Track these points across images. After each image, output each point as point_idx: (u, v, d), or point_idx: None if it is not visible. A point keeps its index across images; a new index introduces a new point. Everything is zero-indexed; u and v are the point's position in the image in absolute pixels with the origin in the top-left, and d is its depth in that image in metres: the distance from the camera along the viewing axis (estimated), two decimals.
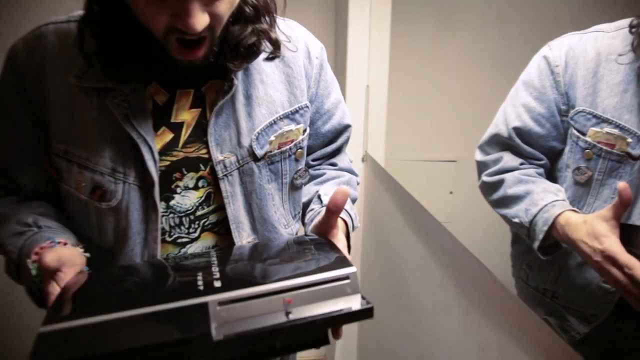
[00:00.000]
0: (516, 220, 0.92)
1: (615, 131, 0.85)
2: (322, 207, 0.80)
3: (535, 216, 0.88)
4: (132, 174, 0.70)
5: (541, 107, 0.94)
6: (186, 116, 0.72)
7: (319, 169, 0.92)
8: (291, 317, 0.49)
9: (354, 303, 0.51)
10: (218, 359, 0.49)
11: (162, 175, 0.71)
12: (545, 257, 0.89)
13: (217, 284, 0.51)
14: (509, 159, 0.98)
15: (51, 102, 0.70)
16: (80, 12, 0.68)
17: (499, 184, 0.98)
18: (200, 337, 0.46)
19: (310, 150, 0.89)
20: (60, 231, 0.71)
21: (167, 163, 0.72)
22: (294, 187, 0.82)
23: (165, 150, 0.71)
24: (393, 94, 1.71)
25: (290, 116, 0.78)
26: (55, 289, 0.58)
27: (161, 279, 0.59)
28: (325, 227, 0.67)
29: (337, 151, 0.93)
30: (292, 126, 0.78)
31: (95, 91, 0.69)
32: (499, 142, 1.00)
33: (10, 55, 0.71)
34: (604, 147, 0.86)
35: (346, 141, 0.94)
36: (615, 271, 0.72)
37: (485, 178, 1.01)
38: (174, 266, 0.63)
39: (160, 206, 0.72)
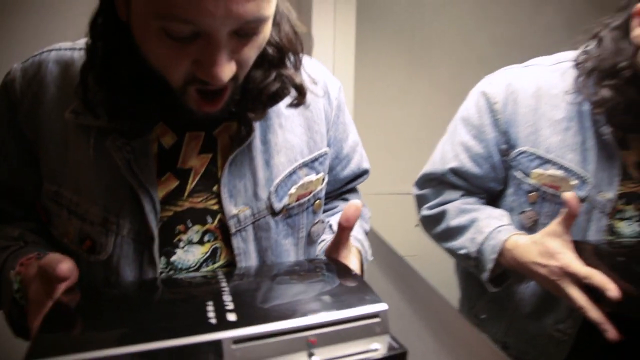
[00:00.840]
0: (463, 251, 0.88)
1: (559, 173, 0.82)
2: None
3: (482, 244, 0.84)
4: (127, 225, 0.61)
5: (479, 147, 0.90)
6: (195, 162, 0.64)
7: (330, 203, 0.86)
8: (315, 358, 0.44)
9: (383, 345, 0.46)
10: None
11: (163, 227, 0.63)
12: (495, 288, 0.86)
13: (232, 317, 0.44)
14: (449, 191, 0.94)
15: (45, 138, 0.62)
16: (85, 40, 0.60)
17: (440, 216, 0.93)
18: None
19: (326, 196, 0.81)
20: (50, 249, 0.62)
21: (170, 214, 0.63)
22: (311, 242, 0.75)
23: (168, 200, 0.63)
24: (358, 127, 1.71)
25: (310, 164, 0.71)
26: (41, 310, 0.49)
27: (165, 306, 0.51)
28: (338, 247, 0.62)
29: (351, 190, 0.88)
30: (313, 176, 0.71)
31: (93, 129, 0.61)
32: (435, 180, 0.96)
33: (6, 82, 0.64)
34: (549, 190, 0.83)
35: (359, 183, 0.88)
36: (574, 290, 0.69)
37: (425, 212, 0.97)
38: (178, 290, 0.55)
39: (160, 262, 0.63)
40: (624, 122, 0.79)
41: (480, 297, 0.96)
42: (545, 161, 0.83)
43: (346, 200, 0.86)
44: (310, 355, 0.44)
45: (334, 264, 0.60)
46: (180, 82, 0.54)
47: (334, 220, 0.78)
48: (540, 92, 0.84)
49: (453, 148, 0.93)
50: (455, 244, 0.89)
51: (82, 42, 0.63)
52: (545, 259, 0.72)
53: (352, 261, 0.63)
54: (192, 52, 0.51)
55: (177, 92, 0.56)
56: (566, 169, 0.81)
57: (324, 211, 0.82)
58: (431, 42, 1.94)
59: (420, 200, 0.99)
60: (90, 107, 0.59)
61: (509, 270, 0.83)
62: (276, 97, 0.64)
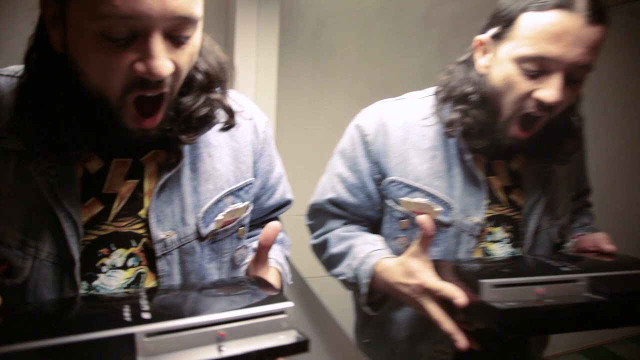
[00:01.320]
0: (342, 277, 0.91)
1: (425, 200, 0.86)
2: None
3: (357, 270, 0.87)
4: (46, 248, 0.61)
5: (354, 178, 0.93)
6: (121, 187, 0.65)
7: (254, 230, 0.88)
8: (224, 350, 0.48)
9: (289, 337, 0.52)
10: None
11: (86, 250, 0.63)
12: (373, 312, 0.90)
13: (146, 315, 0.48)
14: (331, 221, 0.98)
15: None
16: (13, 67, 0.60)
17: (324, 244, 0.97)
18: None
19: (251, 223, 0.84)
20: None
21: (93, 237, 0.64)
22: (234, 266, 0.77)
23: (92, 224, 0.63)
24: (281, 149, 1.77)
25: (236, 193, 0.74)
26: None
27: (83, 309, 0.53)
28: (257, 265, 0.66)
29: (274, 219, 0.90)
30: (239, 204, 0.75)
31: (14, 153, 0.60)
32: (318, 211, 1.00)
33: None
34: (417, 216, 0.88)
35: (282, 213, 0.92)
36: (431, 305, 0.72)
37: (312, 241, 1.01)
38: (97, 300, 0.57)
39: (81, 286, 0.63)
40: (483, 148, 0.85)
41: (367, 322, 1.00)
42: (413, 189, 0.87)
43: None
44: (220, 348, 0.48)
45: (253, 279, 0.65)
46: (119, 91, 0.55)
47: (256, 244, 0.82)
48: (409, 123, 0.89)
49: (330, 180, 0.97)
50: (336, 271, 0.93)
51: (10, 69, 0.64)
52: (406, 278, 0.76)
53: (270, 279, 0.67)
54: (130, 55, 0.53)
55: (114, 109, 0.57)
56: (432, 196, 0.86)
57: (248, 237, 0.84)
58: (347, 63, 2.05)
59: (310, 230, 1.03)
60: (21, 135, 0.59)
61: (386, 294, 0.86)
62: (206, 120, 0.67)
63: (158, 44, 0.53)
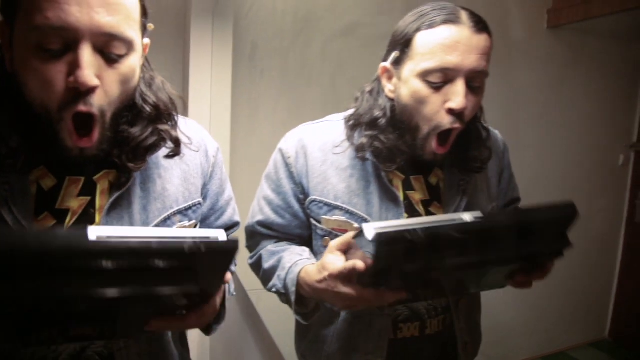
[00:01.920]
0: (274, 289, 0.93)
1: (344, 217, 0.90)
2: None
3: (285, 280, 0.89)
4: None
5: (279, 199, 0.96)
6: (73, 203, 0.70)
7: None
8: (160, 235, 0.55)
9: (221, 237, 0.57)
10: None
11: None
12: (306, 321, 0.92)
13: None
14: (264, 241, 1.01)
15: None
16: None
17: (259, 261, 1.00)
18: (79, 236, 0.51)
19: None
20: None
21: None
22: None
23: None
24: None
25: (183, 212, 0.79)
26: None
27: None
28: None
29: None
30: (185, 222, 0.79)
31: None
32: (251, 233, 1.04)
33: None
34: (339, 233, 0.89)
35: None
36: (345, 288, 0.74)
37: (249, 261, 1.05)
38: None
39: None
40: (400, 167, 0.90)
41: (304, 335, 1.03)
42: (332, 207, 0.91)
43: None
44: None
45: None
46: (56, 104, 0.61)
47: None
48: (327, 145, 0.93)
49: (258, 203, 1.01)
50: (270, 284, 0.95)
51: None
52: (320, 274, 0.78)
53: None
54: (63, 66, 0.60)
55: (54, 122, 0.62)
56: (350, 213, 0.90)
57: None
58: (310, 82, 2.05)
59: (248, 251, 1.06)
60: None
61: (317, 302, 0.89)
62: (153, 148, 0.73)
63: (86, 56, 0.60)
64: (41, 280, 0.53)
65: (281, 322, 1.16)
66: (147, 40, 0.72)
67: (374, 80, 0.95)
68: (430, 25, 0.82)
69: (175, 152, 0.76)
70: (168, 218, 0.77)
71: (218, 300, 0.70)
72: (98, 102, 0.63)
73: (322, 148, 0.94)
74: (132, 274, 0.55)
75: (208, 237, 0.56)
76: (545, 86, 2.58)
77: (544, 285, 0.90)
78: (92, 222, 0.71)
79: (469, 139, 0.92)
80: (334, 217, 0.91)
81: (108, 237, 0.52)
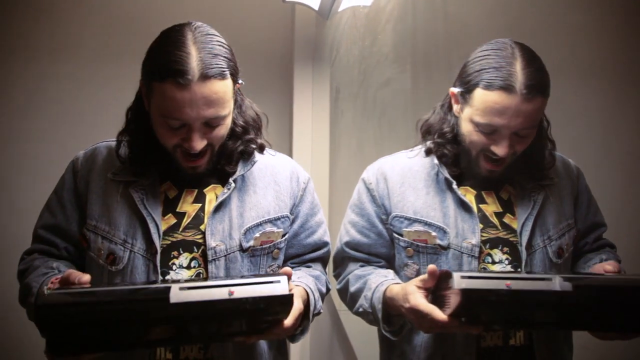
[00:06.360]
0: (361, 309, 1.02)
1: (423, 228, 1.00)
2: None
3: (371, 299, 0.97)
4: (138, 244, 0.91)
5: (363, 220, 1.08)
6: (188, 208, 0.95)
7: (296, 269, 1.06)
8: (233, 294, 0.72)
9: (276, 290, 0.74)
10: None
11: (163, 252, 0.91)
12: (395, 337, 0.99)
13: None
14: (350, 264, 1.10)
15: (92, 191, 0.95)
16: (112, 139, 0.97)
17: (345, 286, 1.09)
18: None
19: (292, 257, 1.06)
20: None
21: (168, 242, 0.92)
22: None
23: (168, 232, 0.92)
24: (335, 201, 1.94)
25: (273, 221, 0.99)
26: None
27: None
28: None
29: (315, 260, 1.09)
30: (274, 229, 0.99)
31: (122, 183, 0.94)
32: (340, 258, 1.13)
33: (72, 161, 1.00)
34: (420, 243, 1.00)
35: (323, 257, 1.10)
36: (423, 321, 0.85)
37: (337, 287, 1.14)
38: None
39: (159, 277, 0.90)
40: (472, 182, 1.01)
41: (391, 353, 1.08)
42: (412, 221, 1.02)
43: (309, 267, 1.08)
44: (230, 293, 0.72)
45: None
46: (171, 147, 0.89)
47: (294, 276, 1.01)
48: (404, 170, 1.07)
49: (344, 227, 1.12)
50: (356, 305, 1.04)
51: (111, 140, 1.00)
52: (403, 301, 0.88)
53: (294, 291, 0.86)
54: (180, 134, 0.87)
55: (172, 154, 0.90)
56: (428, 224, 1.00)
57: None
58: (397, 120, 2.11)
59: (335, 279, 1.15)
60: (120, 158, 0.94)
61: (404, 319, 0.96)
62: (244, 155, 0.98)
63: (196, 133, 0.86)
64: (132, 328, 0.72)
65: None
66: (240, 82, 0.94)
67: (446, 96, 1.06)
68: (487, 87, 0.90)
69: (261, 149, 1.00)
70: (260, 224, 0.97)
71: (291, 320, 0.83)
72: (204, 150, 0.89)
73: (400, 173, 1.06)
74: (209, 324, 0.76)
75: (271, 282, 0.76)
76: None
77: None
78: (202, 223, 0.94)
79: (532, 155, 1.00)
80: (414, 228, 1.01)
81: (186, 301, 0.71)
